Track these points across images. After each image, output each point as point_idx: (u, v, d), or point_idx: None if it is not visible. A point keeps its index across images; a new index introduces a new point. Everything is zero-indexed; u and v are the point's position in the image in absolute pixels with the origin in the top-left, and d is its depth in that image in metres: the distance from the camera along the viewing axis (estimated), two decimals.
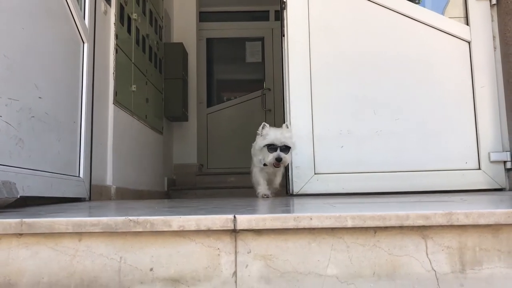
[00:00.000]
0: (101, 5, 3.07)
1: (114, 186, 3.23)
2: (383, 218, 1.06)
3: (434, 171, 2.73)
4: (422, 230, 1.08)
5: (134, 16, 3.81)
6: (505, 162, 2.72)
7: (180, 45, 5.21)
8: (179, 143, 5.64)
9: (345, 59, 2.80)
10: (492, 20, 2.80)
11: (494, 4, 2.79)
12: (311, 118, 2.76)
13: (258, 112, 6.41)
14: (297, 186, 2.75)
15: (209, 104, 6.54)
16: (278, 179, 2.78)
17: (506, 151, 2.73)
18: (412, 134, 2.76)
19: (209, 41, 6.60)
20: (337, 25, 2.81)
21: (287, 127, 2.61)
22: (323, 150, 2.77)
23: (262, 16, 6.58)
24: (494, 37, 2.79)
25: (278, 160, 2.47)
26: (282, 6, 2.83)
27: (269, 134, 2.54)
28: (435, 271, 1.07)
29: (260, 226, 1.07)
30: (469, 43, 2.78)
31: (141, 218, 1.07)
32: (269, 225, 1.07)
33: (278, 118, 6.21)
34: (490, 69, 2.77)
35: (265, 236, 1.08)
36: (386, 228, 1.07)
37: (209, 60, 6.60)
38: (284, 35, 2.82)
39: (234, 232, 1.08)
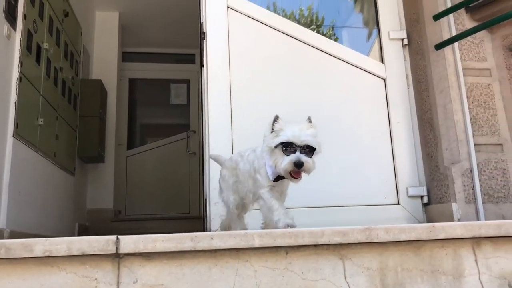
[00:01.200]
0: (4, 28, 2.80)
1: (8, 230, 2.81)
2: (295, 235, 0.91)
3: (355, 206, 2.67)
4: (340, 249, 0.94)
5: (45, 45, 3.54)
6: (422, 196, 2.74)
7: (99, 82, 4.95)
8: (94, 186, 5.22)
9: (266, 91, 2.74)
10: (405, 59, 2.91)
11: (406, 45, 2.91)
12: (231, 150, 2.62)
13: (182, 155, 6.21)
14: (215, 224, 2.55)
15: (130, 146, 6.23)
16: (283, 204, 1.98)
17: (423, 186, 2.76)
18: (333, 168, 2.71)
19: (132, 81, 6.40)
20: (259, 57, 2.77)
21: (310, 122, 1.90)
22: None
23: (188, 59, 6.53)
24: (407, 75, 2.89)
25: (298, 165, 1.72)
26: (202, 36, 2.75)
27: (284, 130, 1.83)
28: None
29: (150, 248, 0.88)
30: (384, 80, 2.86)
31: None
32: (160, 247, 0.88)
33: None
34: (405, 105, 2.84)
35: (156, 261, 0.89)
36: (299, 247, 0.92)
37: (132, 100, 6.36)
38: (203, 65, 2.71)
39: (117, 257, 0.87)
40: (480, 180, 2.53)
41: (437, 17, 2.62)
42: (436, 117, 2.69)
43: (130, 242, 0.87)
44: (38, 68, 3.42)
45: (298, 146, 1.76)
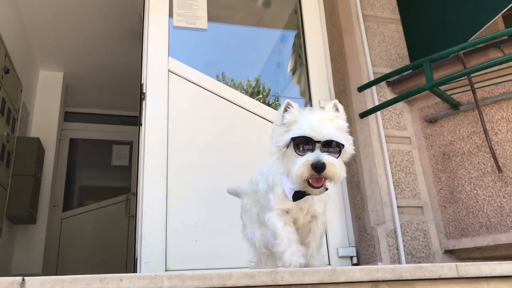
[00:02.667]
0: None
1: None
2: (204, 277, 0.95)
3: None
4: None
5: None
6: (351, 257, 2.83)
7: (36, 140, 4.84)
8: (22, 250, 4.91)
9: (202, 151, 2.82)
10: None
11: None
12: (166, 209, 2.62)
13: (121, 218, 6.03)
14: None
15: (66, 208, 5.99)
16: (317, 236, 1.49)
17: (352, 247, 2.86)
18: None
19: (74, 141, 6.31)
20: (197, 118, 2.88)
21: (337, 110, 1.43)
22: (177, 244, 2.61)
23: (132, 121, 6.56)
24: None
25: (318, 168, 1.22)
26: (142, 97, 2.84)
27: (298, 121, 1.33)
28: None
29: None
30: None
31: None
32: None
33: None
34: None
35: None
36: None
37: (71, 161, 6.22)
38: (141, 124, 2.78)
39: None
40: (403, 240, 2.67)
41: (361, 89, 2.88)
42: (362, 180, 2.86)
43: (36, 284, 0.87)
44: None
45: (318, 142, 1.27)
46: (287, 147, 1.32)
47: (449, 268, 1.07)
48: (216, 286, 0.96)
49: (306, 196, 1.38)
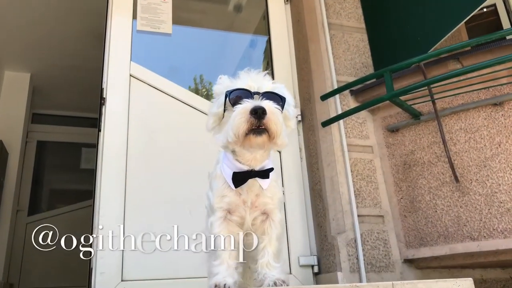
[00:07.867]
0: None
1: None
2: None
3: None
4: None
5: None
6: (313, 266, 2.82)
7: None
8: None
9: (162, 157, 2.77)
10: (299, 134, 3.11)
11: (300, 121, 3.13)
12: (123, 217, 2.57)
13: (90, 223, 5.90)
14: None
15: (33, 212, 5.83)
16: (273, 239, 1.33)
17: (314, 255, 2.85)
18: None
19: (41, 143, 6.15)
20: (156, 125, 2.83)
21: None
22: (134, 253, 2.55)
23: None
24: (300, 149, 3.08)
25: (258, 112, 1.10)
26: (102, 102, 2.77)
27: (233, 83, 1.27)
28: None
29: None
30: (280, 152, 3.01)
31: None
32: None
33: None
34: (298, 177, 3.00)
35: None
36: None
37: (39, 164, 6.06)
38: (100, 130, 2.71)
39: None
40: (363, 250, 2.67)
41: (324, 97, 2.88)
42: (324, 189, 2.85)
43: None
44: None
45: (257, 93, 1.18)
46: (221, 109, 1.19)
47: (386, 287, 1.06)
48: None
49: (250, 184, 1.23)
